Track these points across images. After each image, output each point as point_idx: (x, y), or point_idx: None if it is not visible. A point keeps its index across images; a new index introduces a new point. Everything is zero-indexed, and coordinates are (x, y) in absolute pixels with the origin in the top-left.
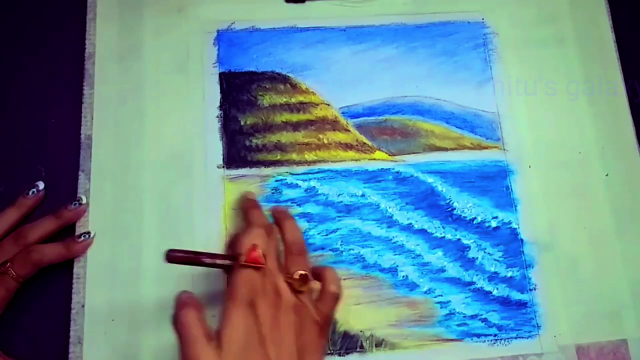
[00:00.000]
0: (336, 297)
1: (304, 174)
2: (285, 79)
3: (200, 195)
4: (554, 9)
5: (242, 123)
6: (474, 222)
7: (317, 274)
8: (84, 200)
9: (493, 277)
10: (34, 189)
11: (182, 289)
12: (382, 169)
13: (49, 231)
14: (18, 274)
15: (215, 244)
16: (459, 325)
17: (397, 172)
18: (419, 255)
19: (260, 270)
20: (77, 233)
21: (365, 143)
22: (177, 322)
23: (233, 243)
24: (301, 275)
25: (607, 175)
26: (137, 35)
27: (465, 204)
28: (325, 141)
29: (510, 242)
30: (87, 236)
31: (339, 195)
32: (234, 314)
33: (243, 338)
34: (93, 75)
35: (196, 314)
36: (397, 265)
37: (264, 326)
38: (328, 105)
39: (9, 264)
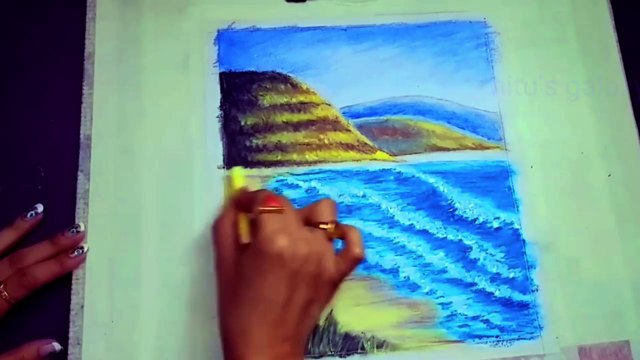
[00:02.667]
0: (359, 260)
1: (304, 174)
2: (285, 79)
3: (200, 195)
4: (556, 8)
5: (242, 123)
6: (476, 222)
7: (342, 232)
8: (82, 228)
9: (495, 278)
10: (32, 212)
11: (182, 290)
12: (383, 169)
13: (44, 257)
14: (11, 297)
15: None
16: (460, 326)
17: (399, 173)
18: (421, 256)
19: (283, 214)
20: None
21: (366, 143)
22: (213, 227)
23: (245, 201)
24: (337, 224)
25: (609, 175)
26: (137, 35)
27: (467, 205)
28: (326, 141)
29: (512, 242)
30: (80, 251)
31: (340, 195)
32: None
33: (256, 269)
34: (93, 75)
35: (229, 222)
36: (399, 266)
37: (293, 262)
38: (329, 105)
39: (2, 285)
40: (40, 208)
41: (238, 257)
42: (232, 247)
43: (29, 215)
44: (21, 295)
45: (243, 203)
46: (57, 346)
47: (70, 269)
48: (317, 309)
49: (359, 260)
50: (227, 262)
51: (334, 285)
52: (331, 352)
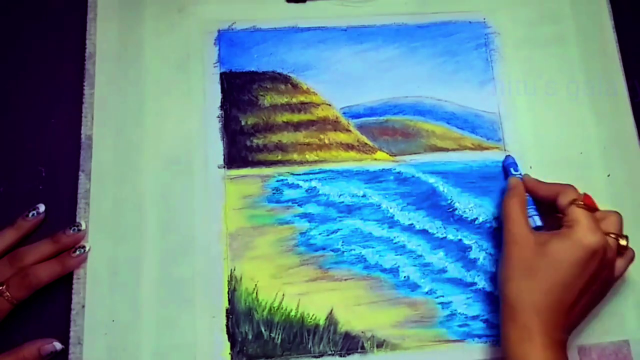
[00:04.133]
0: (632, 259)
1: (305, 174)
2: (286, 79)
3: (200, 195)
4: (556, 8)
5: (243, 123)
6: (476, 222)
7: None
8: (83, 226)
9: (495, 278)
10: (34, 212)
11: (182, 289)
12: (383, 169)
13: (45, 255)
14: (13, 297)
15: (215, 243)
16: (460, 326)
17: (399, 173)
18: (421, 255)
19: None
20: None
21: (366, 143)
22: (506, 205)
23: (555, 195)
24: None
25: (608, 175)
26: (137, 35)
27: (467, 205)
28: (327, 141)
29: None
30: (82, 250)
31: (340, 195)
32: (581, 233)
33: (570, 257)
34: (93, 75)
35: (520, 203)
36: (399, 266)
37: (601, 260)
38: (329, 105)
39: (4, 286)
40: (42, 208)
41: (537, 238)
42: (526, 227)
43: (30, 215)
44: (23, 295)
45: (541, 190)
46: (58, 345)
47: (71, 268)
48: (590, 309)
49: (632, 259)
50: (523, 241)
51: (609, 290)
52: (331, 351)
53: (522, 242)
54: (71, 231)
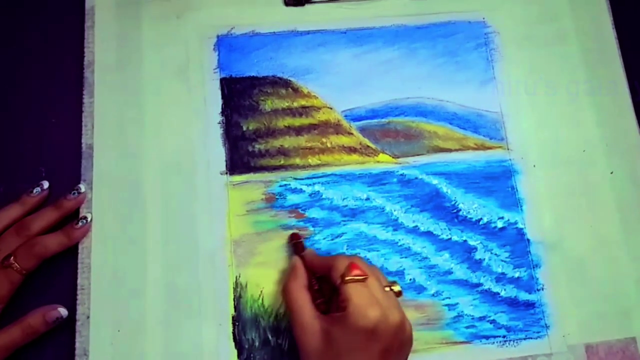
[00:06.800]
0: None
1: (307, 178)
2: (286, 83)
3: (203, 202)
4: (556, 7)
5: (244, 128)
6: (480, 223)
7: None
8: (83, 189)
9: (500, 278)
10: (39, 188)
11: (187, 298)
12: (386, 171)
13: (50, 222)
14: (22, 267)
15: (219, 251)
16: (467, 327)
17: (402, 175)
18: (426, 257)
19: (365, 282)
20: (79, 225)
21: (368, 146)
22: (286, 289)
23: (328, 272)
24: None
25: (612, 173)
26: (136, 42)
27: (471, 205)
28: (329, 145)
29: (516, 242)
30: (84, 221)
31: (344, 199)
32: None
33: (352, 344)
34: (93, 84)
35: (301, 286)
36: (404, 269)
37: (386, 334)
38: (330, 108)
39: (12, 257)
40: (45, 184)
41: (322, 324)
42: (311, 313)
43: (34, 191)
44: (32, 265)
45: (316, 267)
46: (63, 311)
47: (77, 240)
48: None
49: None
50: (310, 330)
51: (411, 343)
52: None
53: (309, 330)
54: (72, 195)
